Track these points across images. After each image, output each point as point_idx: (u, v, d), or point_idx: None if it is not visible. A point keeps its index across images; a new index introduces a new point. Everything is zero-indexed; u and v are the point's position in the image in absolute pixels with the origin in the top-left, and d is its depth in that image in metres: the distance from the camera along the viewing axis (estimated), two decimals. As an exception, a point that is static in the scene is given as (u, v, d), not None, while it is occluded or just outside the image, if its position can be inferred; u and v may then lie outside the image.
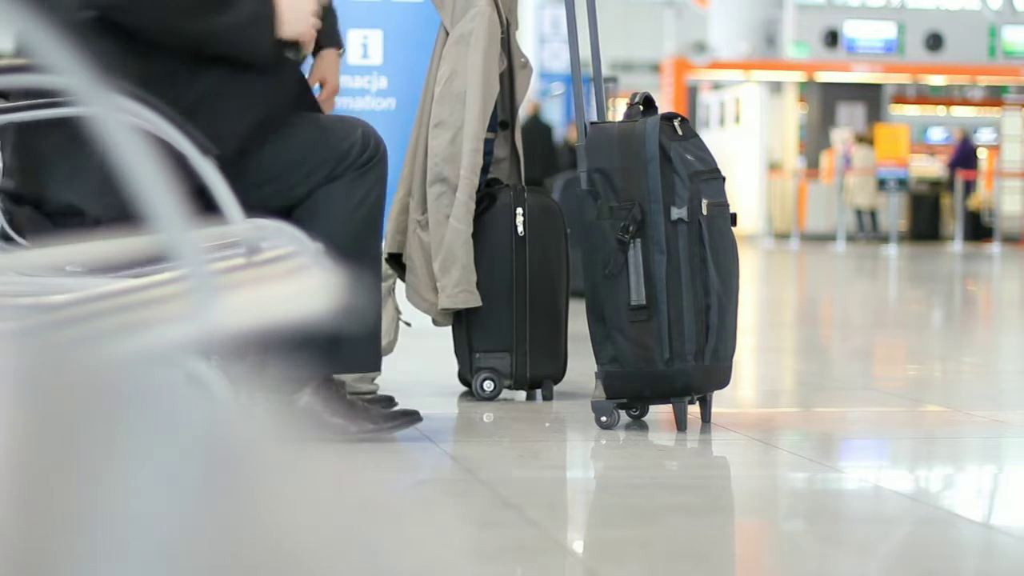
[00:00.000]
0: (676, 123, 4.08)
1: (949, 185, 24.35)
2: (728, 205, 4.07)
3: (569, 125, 25.36)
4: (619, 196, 3.97)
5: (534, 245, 4.74)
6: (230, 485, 0.59)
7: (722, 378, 4.05)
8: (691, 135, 4.09)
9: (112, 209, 3.19)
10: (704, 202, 3.97)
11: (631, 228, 3.93)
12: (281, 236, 1.84)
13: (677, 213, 3.94)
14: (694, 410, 4.06)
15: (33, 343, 0.63)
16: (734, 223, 4.07)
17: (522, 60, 4.89)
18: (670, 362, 3.91)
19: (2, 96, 3.16)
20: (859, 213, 24.78)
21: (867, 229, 24.56)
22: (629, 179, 3.98)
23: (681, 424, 3.94)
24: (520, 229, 4.73)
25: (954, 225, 22.70)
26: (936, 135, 30.34)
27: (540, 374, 4.66)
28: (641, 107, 4.09)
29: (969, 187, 23.87)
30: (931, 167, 26.58)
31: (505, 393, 4.68)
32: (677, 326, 3.91)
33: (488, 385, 4.65)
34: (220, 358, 4.77)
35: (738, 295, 4.10)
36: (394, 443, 3.81)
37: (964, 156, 24.49)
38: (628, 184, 3.98)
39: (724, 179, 4.10)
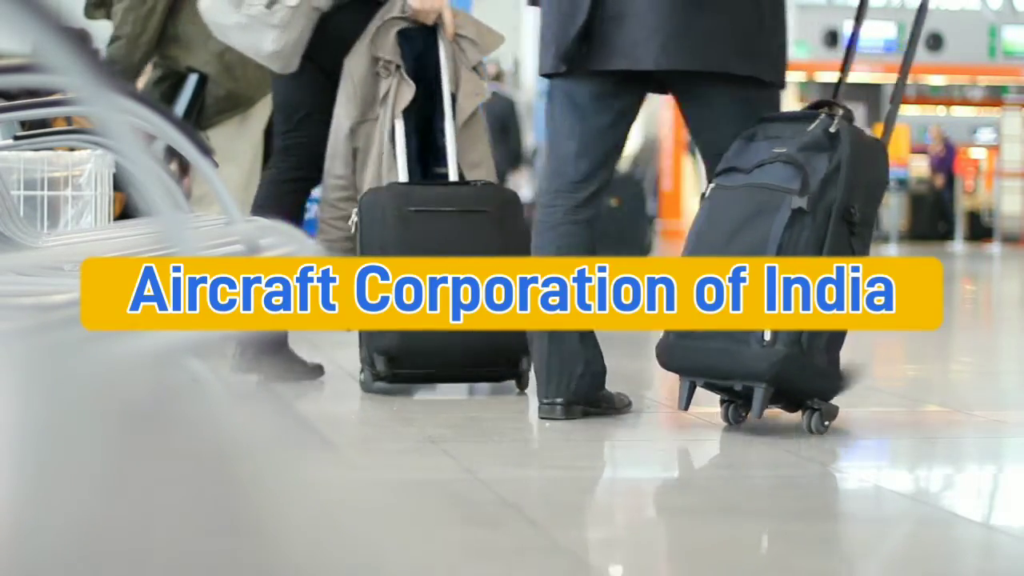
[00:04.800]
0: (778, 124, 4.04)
1: (939, 188, 24.37)
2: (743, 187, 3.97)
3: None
4: None
5: None
6: (229, 483, 0.59)
7: (694, 359, 3.92)
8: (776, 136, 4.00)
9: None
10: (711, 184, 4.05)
11: None
12: (281, 236, 1.84)
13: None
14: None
15: (33, 343, 0.63)
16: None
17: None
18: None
19: (3, 96, 3.16)
20: None
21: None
22: None
23: (680, 402, 3.95)
24: None
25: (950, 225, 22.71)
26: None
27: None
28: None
29: (951, 186, 23.91)
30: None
31: (507, 392, 4.69)
32: None
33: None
34: (236, 358, 4.82)
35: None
36: (394, 443, 3.81)
37: (951, 157, 24.51)
38: None
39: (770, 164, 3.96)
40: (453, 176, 4.84)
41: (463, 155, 4.87)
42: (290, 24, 4.81)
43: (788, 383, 3.82)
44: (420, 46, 4.92)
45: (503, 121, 18.16)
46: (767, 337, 3.78)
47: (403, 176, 4.79)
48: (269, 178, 5.07)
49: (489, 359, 4.64)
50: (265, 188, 5.08)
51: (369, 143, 4.85)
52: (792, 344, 3.79)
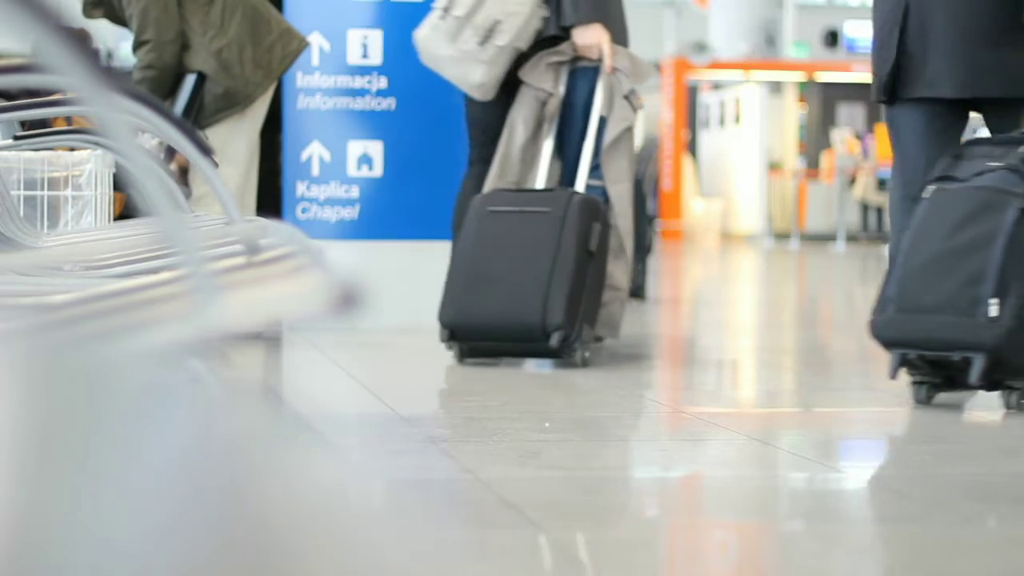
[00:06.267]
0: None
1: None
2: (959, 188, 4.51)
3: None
4: None
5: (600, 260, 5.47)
6: (228, 485, 0.59)
7: (915, 331, 4.40)
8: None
9: None
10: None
11: None
12: (281, 236, 1.84)
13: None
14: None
15: (33, 343, 0.63)
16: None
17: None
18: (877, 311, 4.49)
19: (3, 96, 3.16)
20: (865, 209, 24.82)
21: (871, 227, 24.61)
22: None
23: (889, 371, 4.45)
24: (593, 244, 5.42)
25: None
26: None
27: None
28: None
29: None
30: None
31: (507, 390, 4.69)
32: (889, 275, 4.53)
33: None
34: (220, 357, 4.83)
35: (951, 253, 4.42)
36: (394, 443, 3.81)
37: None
38: None
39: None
40: (580, 187, 5.64)
41: (608, 170, 5.65)
42: (496, 61, 5.63)
43: (1006, 355, 4.30)
44: (591, 78, 5.73)
45: None
46: (993, 312, 4.29)
47: (540, 185, 5.68)
48: (472, 185, 5.91)
49: (525, 335, 5.28)
50: (471, 190, 5.90)
51: (535, 156, 5.75)
52: (1015, 319, 4.29)
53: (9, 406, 0.57)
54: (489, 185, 5.68)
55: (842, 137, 25.18)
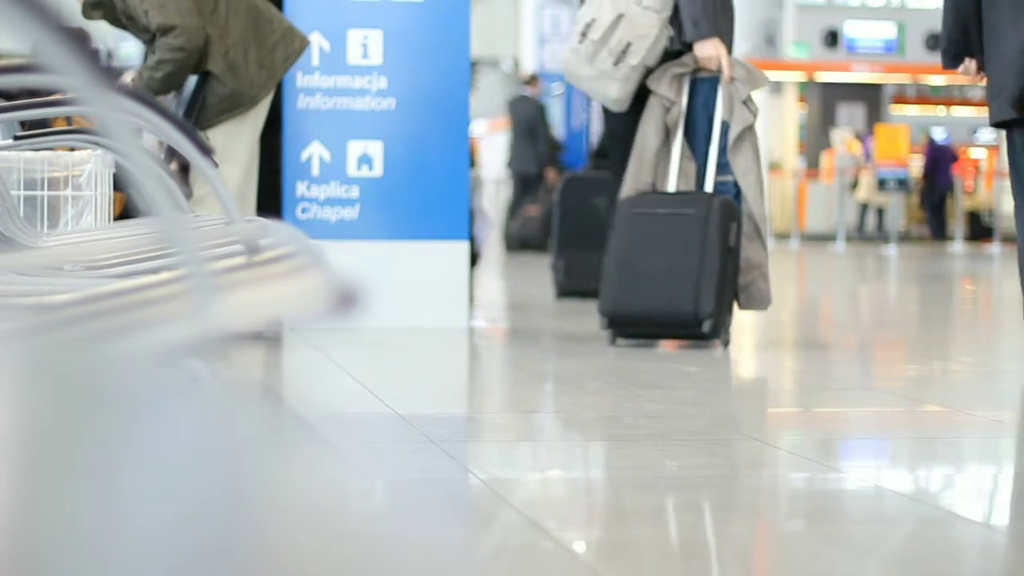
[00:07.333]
0: None
1: (929, 191, 24.58)
2: None
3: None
4: None
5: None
6: (229, 484, 0.59)
7: None
8: None
9: None
10: None
11: None
12: (281, 236, 1.84)
13: None
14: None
15: (33, 343, 0.63)
16: None
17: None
18: None
19: (3, 96, 3.16)
20: (864, 209, 24.83)
21: (869, 228, 24.59)
22: None
23: None
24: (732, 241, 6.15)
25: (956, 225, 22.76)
26: (936, 135, 30.38)
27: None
28: None
29: (942, 187, 24.06)
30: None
31: (509, 390, 4.68)
32: None
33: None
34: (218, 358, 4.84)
35: None
36: (394, 443, 3.81)
37: (937, 159, 24.58)
38: None
39: None
40: (709, 187, 6.34)
41: (736, 165, 6.35)
42: (629, 78, 6.34)
43: None
44: (711, 87, 6.39)
45: (530, 123, 18.35)
46: None
47: (672, 188, 6.35)
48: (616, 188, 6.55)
49: (680, 322, 6.07)
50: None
51: (667, 159, 6.41)
52: None
53: (9, 406, 0.57)
54: (627, 186, 6.36)
55: (842, 137, 25.18)
